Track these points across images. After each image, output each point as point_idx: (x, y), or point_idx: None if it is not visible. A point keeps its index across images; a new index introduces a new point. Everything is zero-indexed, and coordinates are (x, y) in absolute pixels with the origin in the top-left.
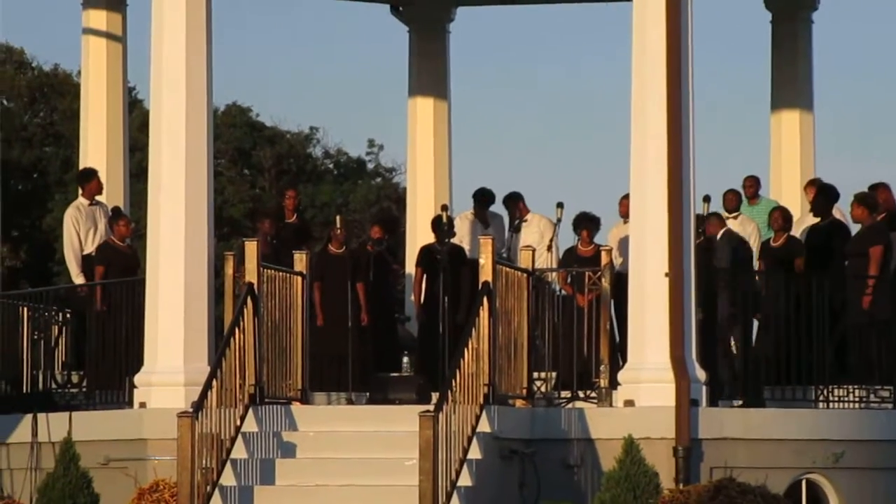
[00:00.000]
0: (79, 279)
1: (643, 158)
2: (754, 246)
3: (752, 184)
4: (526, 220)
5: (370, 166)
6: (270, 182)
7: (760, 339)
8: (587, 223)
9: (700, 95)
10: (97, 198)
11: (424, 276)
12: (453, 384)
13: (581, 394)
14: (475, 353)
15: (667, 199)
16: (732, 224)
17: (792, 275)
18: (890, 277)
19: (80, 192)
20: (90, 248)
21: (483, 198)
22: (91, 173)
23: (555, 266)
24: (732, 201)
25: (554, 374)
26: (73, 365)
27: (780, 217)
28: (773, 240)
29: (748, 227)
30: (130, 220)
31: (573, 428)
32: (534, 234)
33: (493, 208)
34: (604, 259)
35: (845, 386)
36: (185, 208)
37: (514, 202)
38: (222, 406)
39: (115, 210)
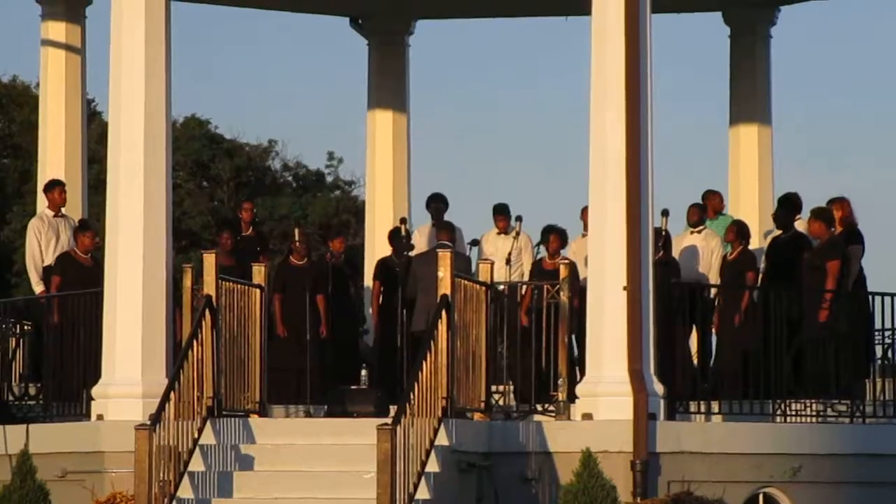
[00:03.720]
0: (38, 287)
1: (602, 172)
2: (717, 260)
3: (713, 199)
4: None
5: (329, 179)
6: (229, 194)
7: (718, 351)
8: (551, 236)
9: (659, 109)
10: (63, 210)
11: (381, 290)
12: (411, 397)
13: (539, 407)
14: (433, 367)
15: (625, 214)
16: (696, 238)
17: (744, 288)
18: (847, 291)
19: (45, 202)
20: (51, 260)
21: (432, 201)
22: (53, 184)
23: (515, 279)
24: (695, 215)
25: (511, 386)
26: (30, 377)
27: (732, 231)
28: (729, 253)
29: (712, 241)
30: (96, 233)
31: (531, 441)
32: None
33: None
34: (562, 272)
35: (802, 400)
36: (144, 220)
37: (502, 214)
38: (180, 418)
39: (83, 222)
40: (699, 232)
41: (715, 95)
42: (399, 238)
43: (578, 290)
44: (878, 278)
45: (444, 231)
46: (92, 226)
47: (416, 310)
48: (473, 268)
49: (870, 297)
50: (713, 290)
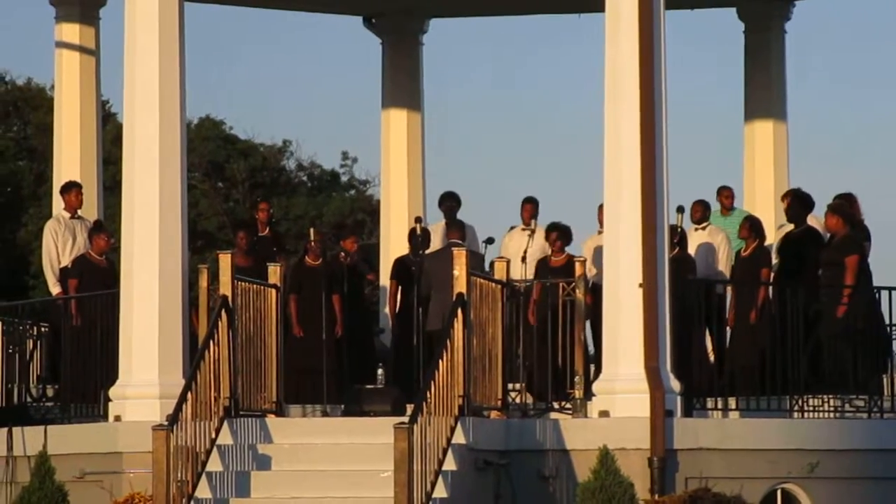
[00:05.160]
0: (55, 289)
1: (617, 169)
2: (724, 256)
3: (727, 195)
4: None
5: (344, 179)
6: (244, 195)
7: (733, 348)
8: (556, 233)
9: (673, 106)
10: (80, 212)
11: (399, 289)
12: (428, 396)
13: (556, 405)
14: (449, 365)
15: (640, 210)
16: (701, 235)
17: (759, 283)
18: (864, 287)
19: (62, 204)
20: (67, 261)
21: (445, 200)
22: (69, 186)
23: (529, 277)
24: (698, 212)
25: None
26: (48, 379)
27: (745, 227)
28: (743, 249)
29: (717, 237)
30: (111, 235)
31: (548, 439)
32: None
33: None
34: (577, 270)
35: (820, 395)
36: (159, 221)
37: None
38: (197, 419)
39: (97, 223)
40: (703, 229)
41: (730, 91)
42: (415, 237)
43: (589, 287)
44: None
45: (455, 230)
46: (106, 227)
47: (430, 308)
48: (487, 266)
49: (877, 293)
50: (726, 287)
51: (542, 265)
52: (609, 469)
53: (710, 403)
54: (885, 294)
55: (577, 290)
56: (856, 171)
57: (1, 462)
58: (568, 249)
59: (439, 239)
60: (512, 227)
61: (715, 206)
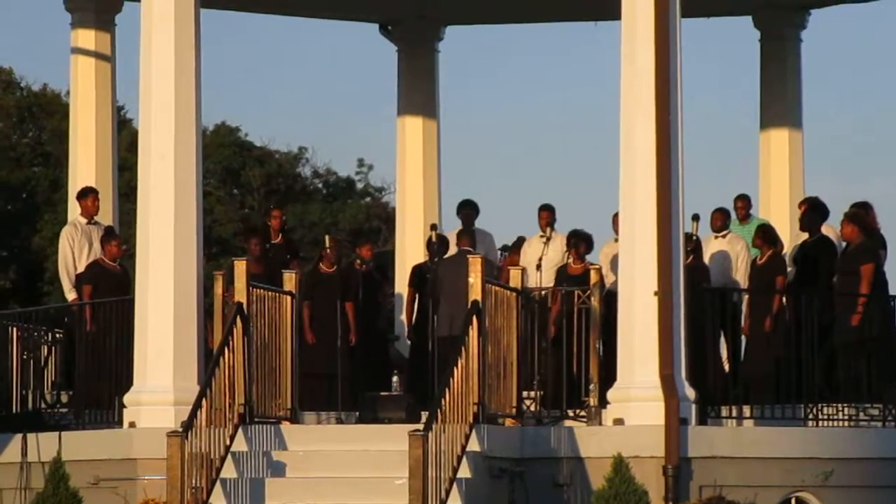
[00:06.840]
0: (70, 295)
1: (632, 177)
2: (743, 264)
3: (743, 204)
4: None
5: (359, 186)
6: (259, 202)
7: (748, 356)
8: (577, 241)
9: (689, 114)
10: (96, 218)
11: (416, 296)
12: (443, 403)
13: (570, 412)
14: (465, 372)
15: (656, 218)
16: (721, 243)
17: (773, 292)
18: (879, 295)
19: (78, 210)
20: (83, 267)
21: (462, 208)
22: (86, 192)
23: (544, 284)
24: (719, 220)
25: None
26: (62, 385)
27: (759, 235)
28: (758, 258)
29: (737, 245)
30: (123, 241)
31: (563, 446)
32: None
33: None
34: (593, 278)
35: (834, 404)
36: (175, 228)
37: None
38: (212, 425)
39: (108, 230)
40: (723, 237)
41: (745, 99)
42: (431, 244)
43: (605, 295)
44: None
45: (466, 237)
46: (118, 234)
47: (440, 314)
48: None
49: (892, 301)
50: (741, 295)
51: (561, 273)
52: (623, 477)
53: (724, 411)
54: None
55: (593, 298)
56: (872, 180)
57: (15, 468)
58: (587, 258)
59: (454, 246)
60: (519, 237)
61: (732, 215)
